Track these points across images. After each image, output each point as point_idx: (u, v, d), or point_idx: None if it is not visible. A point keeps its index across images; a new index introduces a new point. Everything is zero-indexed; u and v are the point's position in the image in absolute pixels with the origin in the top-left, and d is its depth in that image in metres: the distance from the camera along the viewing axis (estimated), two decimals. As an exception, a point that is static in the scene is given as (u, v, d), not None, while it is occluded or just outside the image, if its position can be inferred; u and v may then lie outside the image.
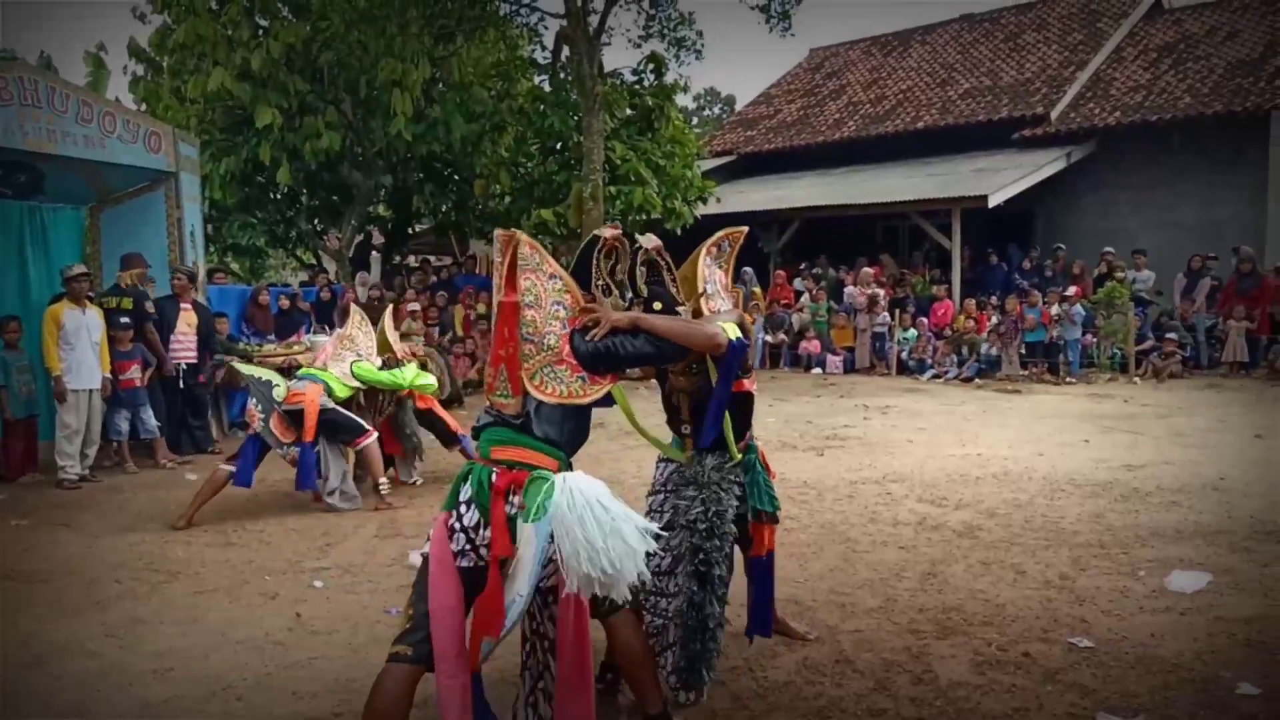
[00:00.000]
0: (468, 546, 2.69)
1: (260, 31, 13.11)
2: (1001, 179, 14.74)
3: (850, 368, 14.19)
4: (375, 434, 6.29)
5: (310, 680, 3.53)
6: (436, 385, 6.78)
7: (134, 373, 7.83)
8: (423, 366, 10.71)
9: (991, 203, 14.05)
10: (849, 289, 15.03)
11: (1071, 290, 13.16)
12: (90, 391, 7.37)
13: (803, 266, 16.53)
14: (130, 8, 14.61)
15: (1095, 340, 12.89)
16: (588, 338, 2.78)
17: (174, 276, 8.68)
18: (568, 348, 2.78)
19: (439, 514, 2.79)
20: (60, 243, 9.00)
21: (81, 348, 7.29)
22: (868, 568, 4.74)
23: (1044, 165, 15.22)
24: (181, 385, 8.45)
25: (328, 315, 11.94)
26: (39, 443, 7.80)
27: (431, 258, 19.91)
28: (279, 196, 15.00)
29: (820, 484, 6.65)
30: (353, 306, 6.88)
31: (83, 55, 14.86)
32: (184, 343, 8.55)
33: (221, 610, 4.34)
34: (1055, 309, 12.76)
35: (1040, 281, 14.14)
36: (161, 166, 8.78)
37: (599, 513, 2.51)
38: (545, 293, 2.82)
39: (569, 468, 2.78)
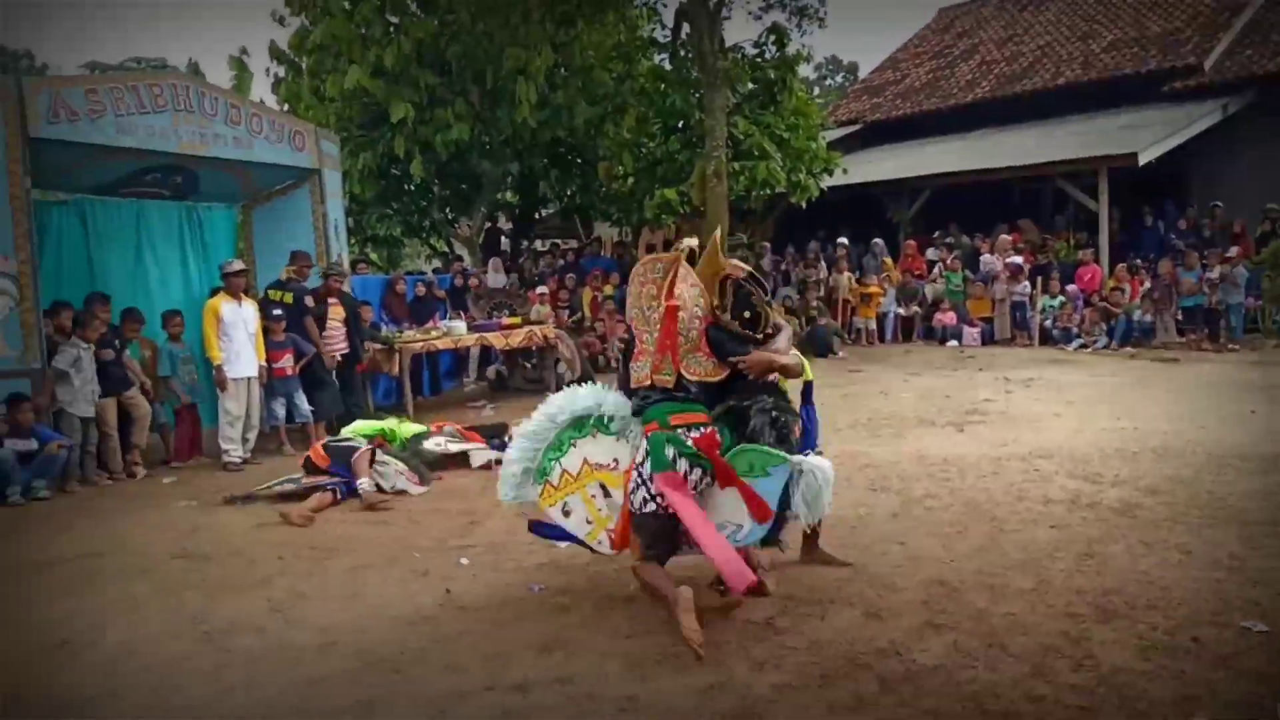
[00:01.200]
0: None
1: (391, 29, 13.55)
2: (1152, 135, 13.83)
3: (989, 339, 13.65)
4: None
5: (462, 653, 3.64)
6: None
7: (286, 362, 8.25)
8: (553, 349, 11.01)
9: (1142, 160, 13.19)
10: (985, 257, 14.45)
11: (1233, 251, 12.26)
12: (249, 379, 7.83)
13: (936, 235, 15.98)
14: (270, 11, 15.35)
15: (1259, 303, 11.98)
16: (751, 375, 3.81)
17: (332, 277, 9.03)
18: (704, 340, 3.85)
19: (659, 475, 3.69)
20: (216, 240, 9.57)
21: (239, 338, 7.74)
22: (1017, 548, 4.55)
23: (1198, 119, 14.20)
24: (335, 374, 8.84)
25: (462, 301, 12.33)
26: (202, 430, 8.35)
27: (559, 241, 20.24)
28: (412, 188, 15.49)
29: (961, 461, 6.43)
30: None
31: (227, 60, 15.70)
32: (336, 336, 8.92)
33: (376, 586, 4.53)
34: (1215, 271, 11.92)
35: (1197, 242, 13.21)
36: (306, 164, 9.19)
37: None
38: (690, 299, 3.84)
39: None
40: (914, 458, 6.57)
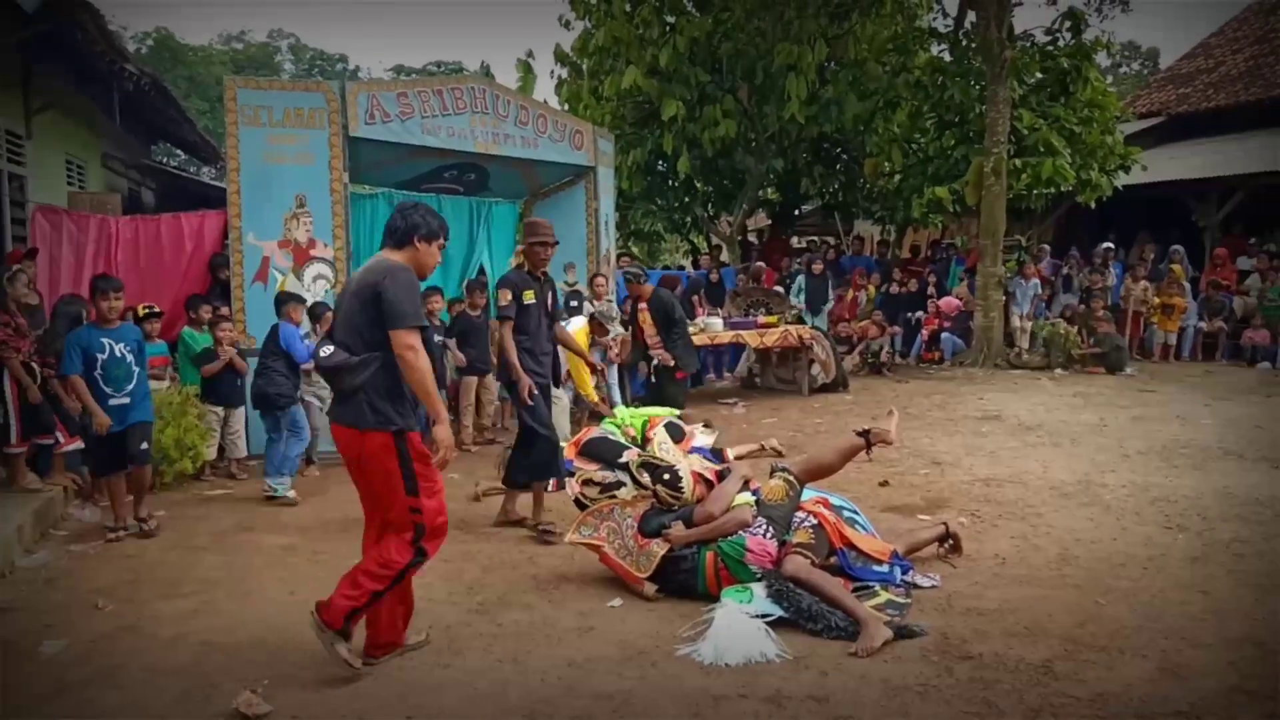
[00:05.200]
0: None
1: (667, 29, 13.89)
2: None
3: (1311, 362, 11.96)
4: None
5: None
6: None
7: None
8: (808, 349, 10.82)
9: None
10: (1311, 268, 12.66)
11: None
12: None
13: (1251, 241, 14.18)
14: (556, 16, 16.23)
15: None
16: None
17: (633, 280, 8.70)
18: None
19: None
20: (499, 233, 10.23)
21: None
22: (1353, 612, 3.92)
23: None
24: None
25: (718, 298, 12.44)
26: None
27: (815, 239, 19.97)
28: (677, 184, 15.84)
29: (1278, 503, 5.65)
30: None
31: (515, 62, 16.74)
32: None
33: (634, 577, 4.64)
34: None
35: None
36: (583, 162, 9.59)
37: None
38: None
39: None
40: (1218, 494, 5.86)
